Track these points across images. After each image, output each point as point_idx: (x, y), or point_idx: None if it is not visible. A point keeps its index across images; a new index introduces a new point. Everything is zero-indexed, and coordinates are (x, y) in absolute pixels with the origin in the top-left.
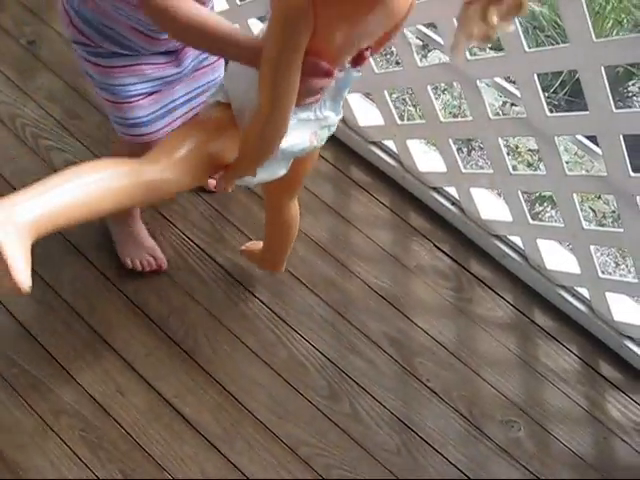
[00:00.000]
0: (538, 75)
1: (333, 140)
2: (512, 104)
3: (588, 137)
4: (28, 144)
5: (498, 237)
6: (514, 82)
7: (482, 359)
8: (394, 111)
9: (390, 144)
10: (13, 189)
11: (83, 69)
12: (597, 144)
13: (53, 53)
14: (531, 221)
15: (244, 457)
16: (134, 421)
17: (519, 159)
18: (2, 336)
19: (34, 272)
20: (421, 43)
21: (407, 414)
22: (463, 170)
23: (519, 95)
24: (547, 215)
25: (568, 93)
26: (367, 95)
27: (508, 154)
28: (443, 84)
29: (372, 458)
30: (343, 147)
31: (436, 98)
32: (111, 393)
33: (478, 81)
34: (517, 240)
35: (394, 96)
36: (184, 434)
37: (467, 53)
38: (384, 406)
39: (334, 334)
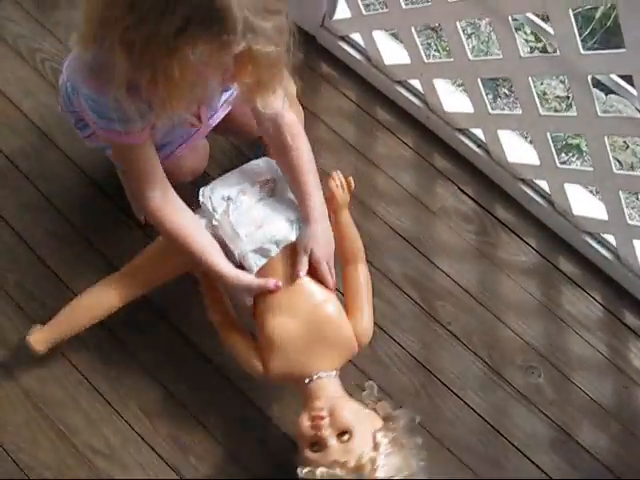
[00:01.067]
0: (573, 11)
1: (357, 79)
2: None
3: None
4: (47, 78)
5: (524, 181)
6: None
7: (504, 304)
8: (421, 49)
9: (416, 83)
10: (32, 123)
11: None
12: (632, 84)
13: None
14: (559, 165)
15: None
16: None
17: (546, 106)
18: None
19: None
20: None
21: (427, 357)
22: (491, 111)
23: (552, 32)
24: (573, 165)
25: (598, 40)
26: (393, 34)
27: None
28: (469, 29)
29: (390, 399)
30: (367, 86)
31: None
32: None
33: (510, 17)
34: (544, 185)
35: (422, 37)
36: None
37: None
38: (404, 348)
39: None
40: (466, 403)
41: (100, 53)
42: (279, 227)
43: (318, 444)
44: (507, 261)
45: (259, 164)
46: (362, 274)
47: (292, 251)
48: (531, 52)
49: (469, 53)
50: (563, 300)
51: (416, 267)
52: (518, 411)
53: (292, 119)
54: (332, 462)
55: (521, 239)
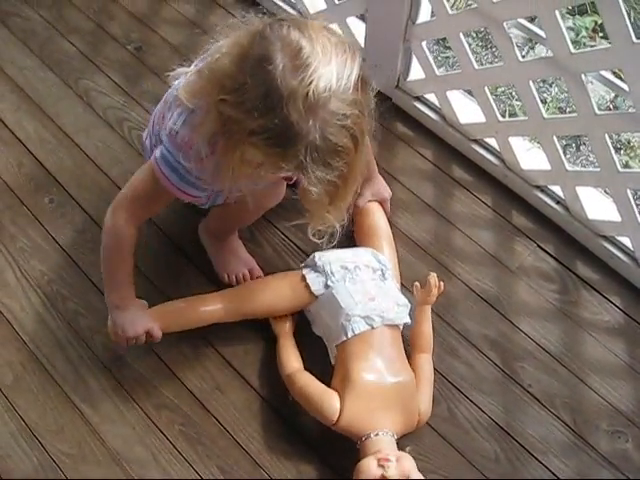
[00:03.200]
0: None
1: (433, 138)
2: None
3: None
4: (134, 147)
5: (606, 238)
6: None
7: (587, 365)
8: (495, 107)
9: (492, 141)
10: (118, 189)
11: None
12: None
13: (158, 58)
14: None
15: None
16: (232, 418)
17: (632, 154)
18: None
19: None
20: (521, 38)
21: (507, 420)
22: (568, 168)
23: (627, 89)
24: None
25: None
26: (468, 92)
27: (619, 149)
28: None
29: (469, 464)
30: (443, 145)
31: (544, 91)
32: (210, 389)
33: (583, 75)
34: (626, 241)
35: (500, 90)
36: (281, 433)
37: (570, 45)
38: (483, 411)
39: (434, 336)
40: (548, 468)
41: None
42: (389, 306)
43: None
44: (590, 320)
45: (369, 254)
46: (428, 363)
47: (389, 332)
48: (614, 100)
49: (543, 111)
50: None
51: (495, 328)
52: (603, 478)
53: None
54: None
55: (604, 297)
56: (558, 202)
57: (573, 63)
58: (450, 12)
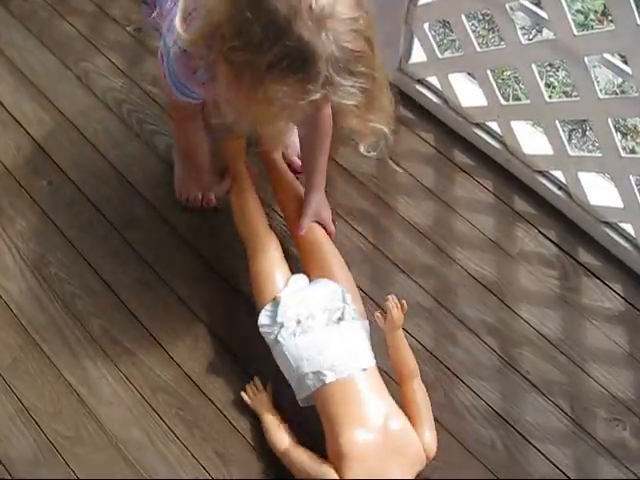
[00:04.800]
0: None
1: (435, 121)
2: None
3: None
4: (133, 129)
5: (607, 224)
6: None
7: (587, 353)
8: (497, 91)
9: (494, 125)
10: (118, 173)
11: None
12: None
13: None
14: None
15: None
16: (230, 403)
17: (638, 140)
18: (109, 315)
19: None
20: (528, 21)
21: (504, 407)
22: (570, 153)
23: (630, 72)
24: None
25: None
26: (471, 75)
27: (626, 135)
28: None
29: (465, 450)
30: (445, 129)
31: (551, 76)
32: (207, 374)
33: (586, 58)
34: (628, 228)
35: (506, 74)
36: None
37: (573, 27)
38: (480, 397)
39: (431, 321)
40: (545, 455)
41: (205, 57)
42: (339, 356)
43: None
44: (591, 307)
45: (332, 291)
46: (420, 390)
47: (362, 377)
48: (620, 86)
49: (546, 95)
50: None
51: (494, 314)
52: (601, 466)
53: (328, 113)
54: None
55: (605, 284)
56: (560, 187)
57: (576, 46)
58: None
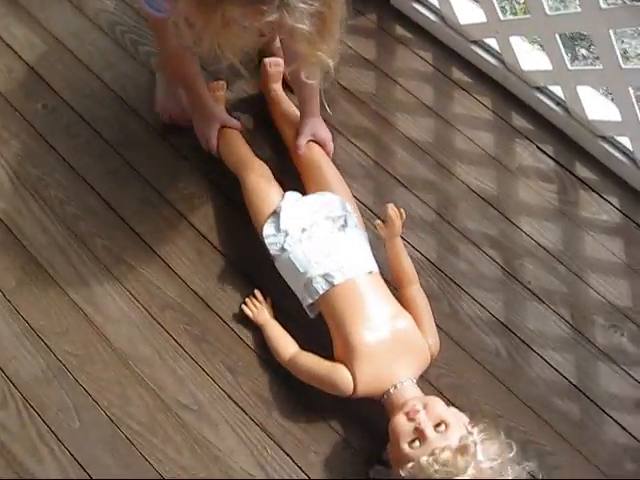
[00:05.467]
0: None
1: (432, 40)
2: None
3: None
4: (128, 50)
5: (604, 138)
6: None
7: (585, 263)
8: (497, 6)
9: (492, 43)
10: (114, 93)
11: None
12: None
13: None
14: None
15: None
16: (236, 317)
17: (627, 64)
18: (112, 234)
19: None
20: None
21: (507, 316)
22: (570, 67)
23: None
24: None
25: None
26: None
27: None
28: None
29: (471, 358)
30: (443, 47)
31: None
32: (213, 289)
33: None
34: (625, 141)
35: None
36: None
37: None
38: (484, 307)
39: (434, 235)
40: (547, 362)
41: None
42: (346, 258)
43: (417, 438)
44: (588, 220)
45: (330, 200)
46: (420, 294)
47: (367, 280)
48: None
49: (547, 8)
50: None
51: (495, 227)
52: (601, 370)
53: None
54: (434, 450)
55: (602, 197)
56: (558, 103)
57: None
58: None
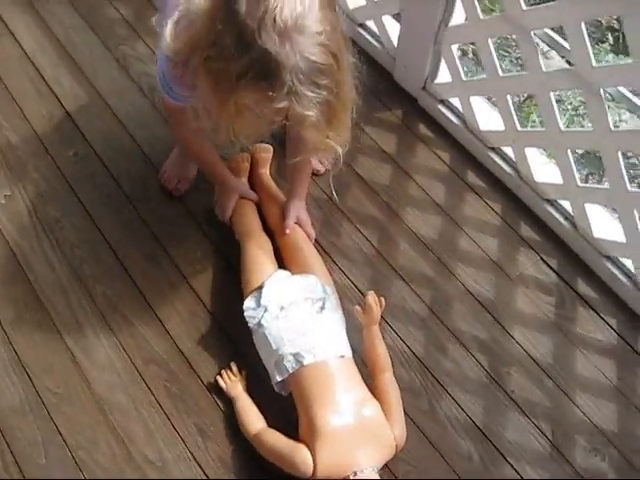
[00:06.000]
0: None
1: (452, 142)
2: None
3: None
4: (162, 114)
5: (609, 258)
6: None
7: (574, 381)
8: (515, 116)
9: (508, 151)
10: (142, 152)
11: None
12: None
13: None
14: None
15: None
16: (215, 381)
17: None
18: (113, 283)
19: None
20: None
21: (485, 422)
22: (579, 184)
23: None
24: None
25: None
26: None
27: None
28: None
29: (442, 459)
30: (461, 150)
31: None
32: (199, 352)
33: (602, 90)
34: (629, 263)
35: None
36: (264, 399)
37: (592, 58)
38: (463, 410)
39: (424, 330)
40: (521, 475)
41: (187, 67)
42: (320, 340)
43: None
44: (583, 338)
45: (313, 283)
46: (392, 383)
47: (339, 363)
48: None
49: (561, 124)
50: (639, 385)
51: (487, 331)
52: None
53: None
54: None
55: (601, 317)
56: (566, 218)
57: (593, 76)
58: (481, 17)
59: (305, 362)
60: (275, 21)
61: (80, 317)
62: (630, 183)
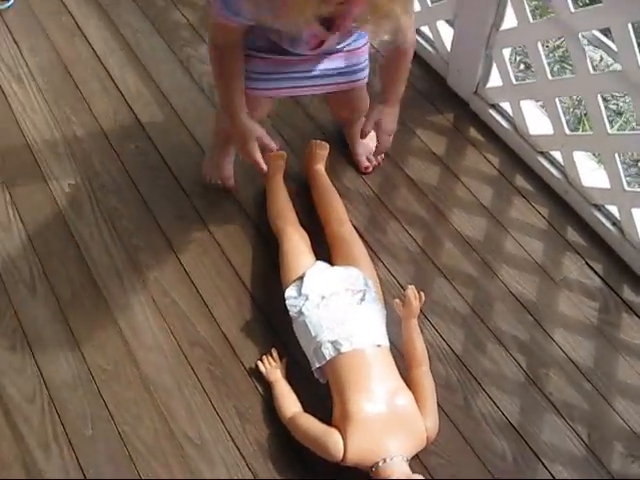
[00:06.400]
0: None
1: (502, 146)
2: None
3: None
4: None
5: None
6: None
7: (614, 386)
8: (564, 120)
9: (557, 155)
10: (200, 148)
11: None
12: None
13: None
14: None
15: None
16: (256, 366)
17: None
18: (165, 270)
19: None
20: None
21: (521, 422)
22: (626, 188)
23: None
24: None
25: None
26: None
27: None
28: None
29: (474, 455)
30: (511, 153)
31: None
32: (244, 338)
33: None
34: None
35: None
36: (303, 385)
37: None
38: (499, 408)
39: (464, 328)
40: (554, 476)
41: None
42: (358, 329)
43: None
44: (627, 344)
45: (354, 275)
46: (428, 377)
47: (376, 353)
48: None
49: (608, 127)
50: None
51: (527, 332)
52: None
53: (412, 41)
54: None
55: None
56: (614, 224)
57: None
58: (531, 20)
59: (342, 350)
60: None
61: (132, 300)
62: None
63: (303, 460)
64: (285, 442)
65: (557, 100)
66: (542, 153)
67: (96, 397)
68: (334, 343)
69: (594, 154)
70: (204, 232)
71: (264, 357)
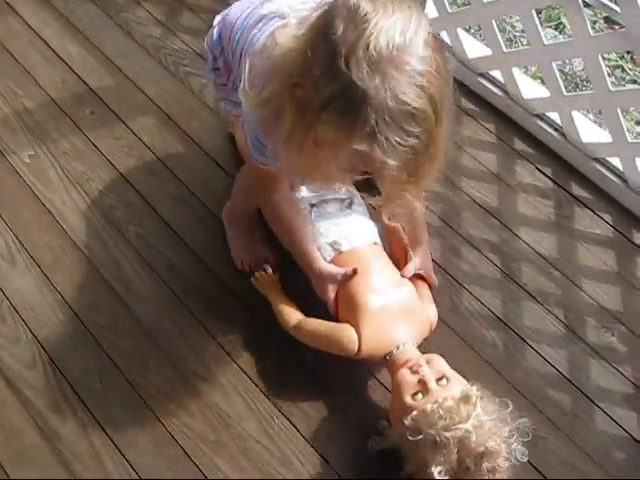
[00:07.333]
0: None
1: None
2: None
3: None
4: (169, 70)
5: (597, 160)
6: None
7: (579, 270)
8: (500, 39)
9: (498, 75)
10: (155, 105)
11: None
12: None
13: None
14: (630, 140)
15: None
16: (252, 296)
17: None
18: (142, 221)
19: None
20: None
21: (504, 312)
22: (565, 93)
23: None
24: None
25: None
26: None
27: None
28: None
29: (469, 347)
30: (454, 80)
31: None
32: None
33: None
34: (616, 162)
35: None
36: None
37: None
38: (482, 303)
39: (439, 238)
40: (541, 355)
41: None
42: (352, 230)
43: (420, 391)
44: (582, 233)
45: (336, 188)
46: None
47: (371, 249)
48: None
49: (544, 39)
50: (637, 269)
51: (496, 234)
52: (592, 366)
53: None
54: (437, 400)
55: (596, 214)
56: (556, 129)
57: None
58: None
59: (342, 249)
60: (368, 49)
61: (117, 256)
62: None
63: (315, 380)
64: (294, 364)
65: (493, 21)
66: (482, 74)
67: (98, 352)
68: (332, 244)
69: (528, 68)
70: (178, 185)
71: (257, 274)
